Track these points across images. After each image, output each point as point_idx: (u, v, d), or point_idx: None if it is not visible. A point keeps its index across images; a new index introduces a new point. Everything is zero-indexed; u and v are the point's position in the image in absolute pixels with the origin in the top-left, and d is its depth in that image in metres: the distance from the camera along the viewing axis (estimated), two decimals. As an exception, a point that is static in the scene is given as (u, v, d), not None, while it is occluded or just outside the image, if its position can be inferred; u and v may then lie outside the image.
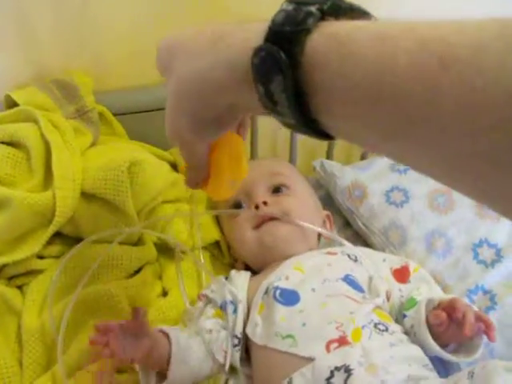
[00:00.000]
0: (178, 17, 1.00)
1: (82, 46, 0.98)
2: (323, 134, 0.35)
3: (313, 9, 0.32)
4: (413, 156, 0.31)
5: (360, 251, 0.86)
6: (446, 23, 0.28)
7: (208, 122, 0.43)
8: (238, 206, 0.92)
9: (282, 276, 0.79)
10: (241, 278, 0.85)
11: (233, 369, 0.77)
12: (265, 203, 0.88)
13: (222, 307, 0.79)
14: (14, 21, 0.92)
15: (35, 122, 0.87)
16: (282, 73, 0.32)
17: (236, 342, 0.76)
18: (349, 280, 0.78)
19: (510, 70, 0.24)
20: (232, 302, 0.79)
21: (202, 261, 0.92)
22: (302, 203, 0.92)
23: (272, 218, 0.86)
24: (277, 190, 0.91)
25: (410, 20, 0.29)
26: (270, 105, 0.35)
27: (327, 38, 0.31)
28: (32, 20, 0.93)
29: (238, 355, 0.76)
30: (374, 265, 0.83)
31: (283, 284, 0.77)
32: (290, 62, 0.32)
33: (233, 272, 0.87)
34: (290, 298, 0.75)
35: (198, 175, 0.55)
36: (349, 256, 0.84)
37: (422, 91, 0.27)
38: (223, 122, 0.44)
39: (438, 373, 0.77)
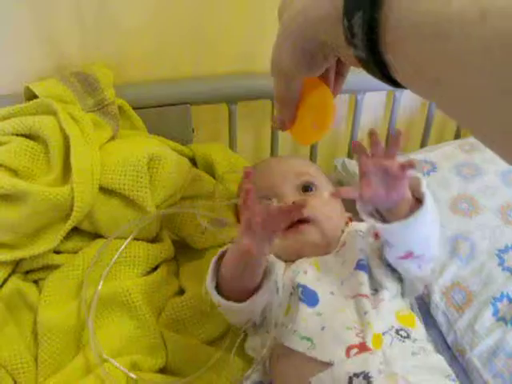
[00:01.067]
0: (200, 9, 0.99)
1: (103, 39, 0.97)
2: (388, 78, 0.41)
3: None
4: (453, 101, 0.35)
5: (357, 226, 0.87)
6: None
7: (305, 53, 0.49)
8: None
9: (301, 270, 0.78)
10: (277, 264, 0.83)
11: None
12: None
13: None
14: (34, 13, 0.91)
15: (54, 114, 0.86)
16: (362, 9, 0.38)
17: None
18: (360, 265, 0.77)
19: None
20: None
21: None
22: (330, 205, 0.89)
23: (301, 221, 0.84)
24: (305, 189, 0.89)
25: None
26: (350, 36, 0.40)
27: None
28: (52, 12, 0.92)
29: None
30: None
31: (303, 280, 0.76)
32: (371, 2, 0.38)
33: (272, 256, 0.84)
34: (310, 297, 0.74)
35: (287, 113, 0.60)
36: (358, 234, 0.83)
37: (460, 35, 0.32)
38: (316, 58, 0.49)
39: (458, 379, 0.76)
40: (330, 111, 0.60)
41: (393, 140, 0.66)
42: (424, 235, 0.72)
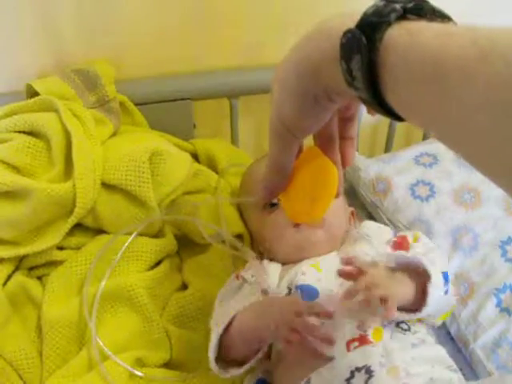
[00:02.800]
0: (203, 5, 0.99)
1: (104, 35, 0.97)
2: (391, 113, 0.41)
3: (397, 6, 0.39)
4: (449, 137, 0.36)
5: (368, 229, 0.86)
6: (504, 28, 0.32)
7: (307, 100, 0.47)
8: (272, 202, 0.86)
9: (299, 272, 0.77)
10: (271, 268, 0.83)
11: None
12: None
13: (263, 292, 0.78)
14: (35, 11, 0.91)
15: (56, 111, 0.86)
16: (360, 53, 0.38)
17: None
18: None
19: None
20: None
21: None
22: (336, 203, 0.89)
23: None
24: None
25: (481, 25, 0.34)
26: (350, 79, 0.40)
27: (402, 30, 0.37)
28: (53, 9, 0.92)
29: None
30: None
31: (301, 280, 0.76)
32: (369, 46, 0.38)
33: (265, 262, 0.85)
34: (309, 292, 0.74)
35: (278, 179, 0.54)
36: (364, 238, 0.83)
37: (461, 76, 0.32)
38: (320, 103, 0.47)
39: (465, 375, 0.76)
40: (331, 186, 0.53)
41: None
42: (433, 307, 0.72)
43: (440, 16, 0.40)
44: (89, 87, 0.93)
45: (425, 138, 1.22)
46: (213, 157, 1.03)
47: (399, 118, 0.41)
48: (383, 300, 0.63)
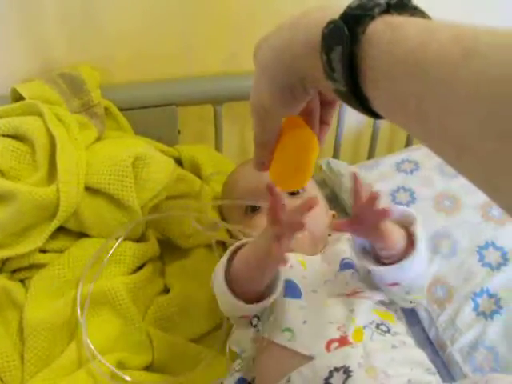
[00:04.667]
0: (186, 11, 1.00)
1: (89, 40, 0.98)
2: (369, 110, 0.41)
3: (381, 1, 0.39)
4: (429, 136, 0.36)
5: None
6: (489, 27, 0.32)
7: (284, 88, 0.48)
8: (253, 207, 0.87)
9: (288, 264, 0.78)
10: None
11: None
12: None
13: None
14: (20, 15, 0.92)
15: (40, 115, 0.86)
16: (342, 44, 0.39)
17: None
18: (344, 264, 0.78)
19: None
20: None
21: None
22: (317, 207, 0.90)
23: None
24: (292, 192, 0.89)
25: (461, 22, 0.34)
26: (329, 70, 0.41)
27: (385, 25, 0.38)
28: (39, 14, 0.93)
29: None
30: None
31: (289, 274, 0.76)
32: (351, 37, 0.38)
33: None
34: (292, 290, 0.75)
35: (265, 155, 0.57)
36: (347, 240, 0.84)
37: (443, 74, 0.32)
38: (296, 92, 0.48)
39: (442, 378, 0.77)
40: (312, 153, 0.57)
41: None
42: (413, 273, 0.73)
43: (420, 14, 0.41)
44: (74, 92, 0.94)
45: (408, 144, 1.24)
46: (197, 163, 1.04)
47: (375, 115, 0.41)
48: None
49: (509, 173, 0.30)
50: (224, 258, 0.73)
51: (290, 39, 0.46)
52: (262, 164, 0.59)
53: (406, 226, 0.73)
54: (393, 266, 0.70)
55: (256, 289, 0.71)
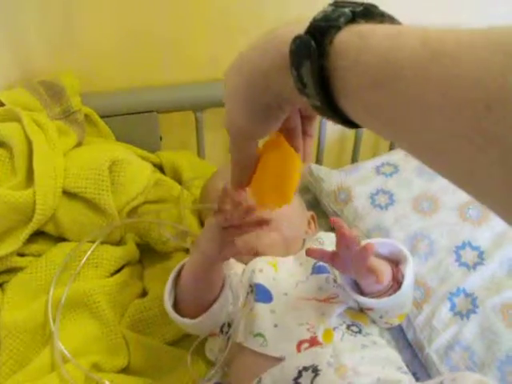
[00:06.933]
0: (167, 18, 1.02)
1: (70, 48, 1.00)
2: (345, 120, 0.40)
3: (347, 10, 0.38)
4: (406, 140, 0.35)
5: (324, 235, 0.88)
6: (456, 29, 0.32)
7: (258, 108, 0.47)
8: None
9: (257, 269, 0.79)
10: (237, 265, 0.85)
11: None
12: None
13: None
14: (2, 24, 0.94)
15: (19, 121, 0.88)
16: (310, 58, 0.38)
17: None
18: (317, 268, 0.79)
19: (492, 71, 0.28)
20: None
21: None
22: (289, 207, 0.90)
23: (259, 223, 0.85)
24: None
25: (430, 25, 0.34)
26: (301, 87, 0.40)
27: (352, 34, 0.37)
28: (20, 22, 0.94)
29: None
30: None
31: (258, 278, 0.77)
32: (319, 51, 0.37)
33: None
34: (264, 295, 0.75)
35: (243, 175, 0.56)
36: (317, 240, 0.86)
37: (414, 77, 0.32)
38: (271, 111, 0.47)
39: (419, 379, 0.77)
40: (294, 173, 0.55)
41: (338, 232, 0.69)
42: (394, 308, 0.77)
43: (389, 20, 0.40)
44: (54, 99, 0.95)
45: (391, 149, 1.24)
46: (178, 169, 1.04)
47: (353, 125, 0.40)
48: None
49: (483, 172, 0.29)
50: (169, 283, 0.76)
51: (259, 61, 0.45)
52: (240, 184, 0.57)
53: (396, 262, 0.76)
54: (372, 300, 0.72)
55: (208, 296, 0.73)
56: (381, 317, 0.76)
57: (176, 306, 0.75)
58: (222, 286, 0.74)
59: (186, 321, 0.73)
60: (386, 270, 0.72)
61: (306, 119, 0.56)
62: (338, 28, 0.38)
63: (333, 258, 0.71)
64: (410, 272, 0.74)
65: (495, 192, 0.30)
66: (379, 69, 0.34)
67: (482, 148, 0.28)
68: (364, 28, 0.37)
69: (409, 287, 0.74)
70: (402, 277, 0.74)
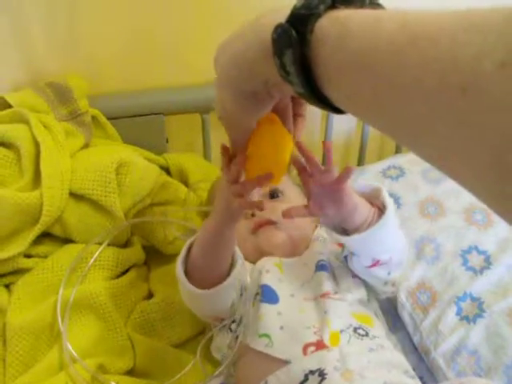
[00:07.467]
0: (174, 21, 1.02)
1: (77, 50, 1.00)
2: (330, 106, 0.41)
3: None
4: (385, 124, 0.36)
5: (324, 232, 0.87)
6: (438, 11, 0.32)
7: (247, 95, 0.48)
8: None
9: (264, 270, 0.79)
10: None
11: None
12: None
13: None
14: (9, 25, 0.94)
15: (27, 123, 0.88)
16: (291, 47, 0.38)
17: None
18: (320, 266, 0.79)
19: (461, 46, 0.28)
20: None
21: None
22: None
23: (268, 223, 0.86)
24: (272, 196, 0.90)
25: (411, 8, 0.34)
26: (284, 74, 0.40)
27: (332, 20, 0.37)
28: (27, 24, 0.95)
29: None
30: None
31: (265, 279, 0.77)
32: (300, 39, 0.38)
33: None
34: (270, 296, 0.75)
35: (239, 159, 0.58)
36: (318, 240, 0.85)
37: (390, 61, 0.32)
38: (260, 97, 0.48)
39: (423, 379, 0.76)
40: (286, 150, 0.57)
41: (326, 155, 0.67)
42: (389, 242, 0.74)
43: (370, 5, 0.40)
44: (61, 100, 0.96)
45: (397, 152, 1.24)
46: (185, 171, 1.05)
47: (338, 111, 0.41)
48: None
49: (462, 154, 0.30)
50: (183, 251, 0.75)
51: (244, 49, 0.45)
52: (238, 173, 0.60)
53: (375, 198, 0.73)
54: (367, 231, 0.69)
55: (216, 271, 0.73)
56: (389, 272, 0.75)
57: (187, 275, 0.74)
58: (231, 266, 0.74)
59: (193, 288, 0.72)
60: (364, 200, 0.71)
61: (296, 99, 0.57)
62: (318, 15, 0.38)
63: (311, 206, 0.68)
64: (387, 198, 0.72)
65: (472, 172, 0.30)
66: (358, 54, 0.34)
67: (457, 128, 0.29)
68: (343, 14, 0.38)
69: (393, 213, 0.72)
70: (384, 206, 0.72)
